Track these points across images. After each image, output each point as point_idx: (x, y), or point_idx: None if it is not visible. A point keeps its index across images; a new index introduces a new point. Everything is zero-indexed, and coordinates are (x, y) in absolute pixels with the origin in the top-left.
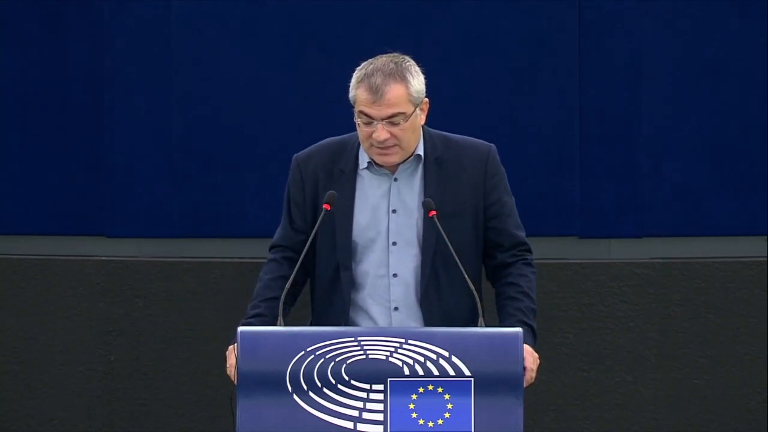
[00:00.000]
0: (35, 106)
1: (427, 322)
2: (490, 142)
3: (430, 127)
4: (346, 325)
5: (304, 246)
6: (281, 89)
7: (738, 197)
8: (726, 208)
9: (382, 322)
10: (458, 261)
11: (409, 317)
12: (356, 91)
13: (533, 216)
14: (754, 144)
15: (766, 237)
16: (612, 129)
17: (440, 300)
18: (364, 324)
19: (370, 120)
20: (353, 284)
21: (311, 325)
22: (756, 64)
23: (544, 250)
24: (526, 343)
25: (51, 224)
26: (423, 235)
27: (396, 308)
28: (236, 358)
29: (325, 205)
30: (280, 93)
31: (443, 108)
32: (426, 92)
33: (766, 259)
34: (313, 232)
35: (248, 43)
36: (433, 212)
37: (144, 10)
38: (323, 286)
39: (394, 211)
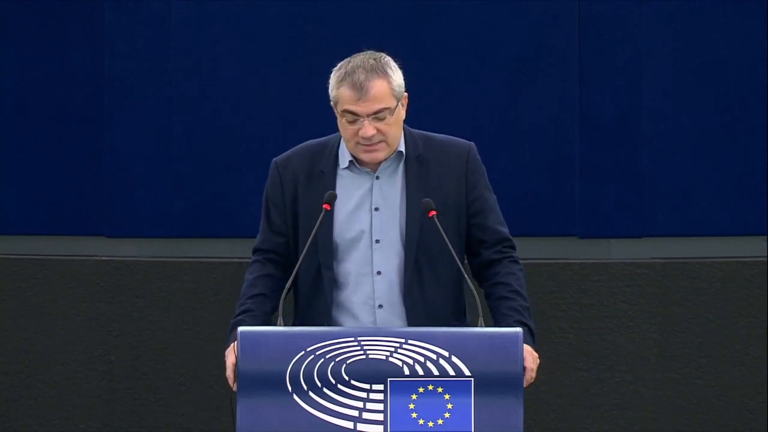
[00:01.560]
0: (35, 106)
1: (411, 318)
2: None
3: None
4: (328, 324)
5: (285, 248)
6: (281, 90)
7: (738, 197)
8: (726, 208)
9: (366, 320)
10: (456, 256)
11: (393, 314)
12: (338, 91)
13: (533, 216)
14: (754, 144)
15: (766, 237)
16: (612, 129)
17: (424, 297)
18: (347, 322)
19: (355, 117)
20: (336, 284)
21: (293, 325)
22: (756, 64)
23: (544, 250)
24: (525, 342)
25: (51, 224)
26: (406, 233)
27: (380, 306)
28: (236, 358)
29: (324, 205)
30: (280, 93)
31: (443, 107)
32: (406, 89)
33: (766, 259)
34: (313, 232)
35: (248, 43)
36: (433, 212)
37: (144, 10)
38: (306, 286)
39: (376, 209)
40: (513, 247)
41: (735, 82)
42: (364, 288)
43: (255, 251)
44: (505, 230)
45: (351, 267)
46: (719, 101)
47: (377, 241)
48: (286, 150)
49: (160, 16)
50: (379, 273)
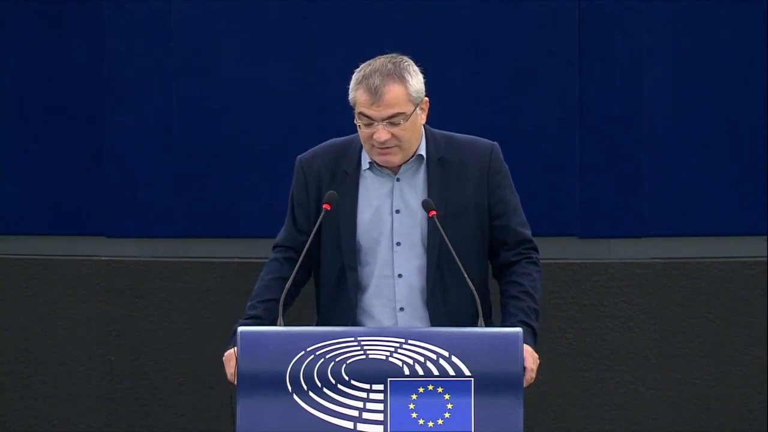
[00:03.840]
0: (35, 106)
1: (434, 322)
2: (490, 141)
3: (430, 126)
4: (353, 326)
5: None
6: (281, 89)
7: (738, 197)
8: (726, 208)
9: (387, 322)
10: (458, 261)
11: (415, 318)
12: (355, 93)
13: (533, 216)
14: (754, 144)
15: (766, 237)
16: (612, 129)
17: (446, 300)
18: (370, 325)
19: (370, 121)
20: (358, 286)
21: (316, 325)
22: (756, 64)
23: (544, 250)
24: (526, 343)
25: (51, 224)
26: (427, 236)
27: (401, 309)
28: (236, 359)
29: (325, 205)
30: (280, 93)
31: (443, 108)
32: (426, 92)
33: (766, 259)
34: (313, 232)
35: (248, 43)
36: (433, 212)
37: (144, 10)
38: (329, 287)
39: (397, 212)
40: (534, 249)
41: (735, 82)
42: (385, 291)
43: (276, 247)
44: (527, 232)
45: (373, 269)
46: (719, 101)
47: (398, 244)
48: (286, 150)
49: (160, 16)
50: (400, 276)
